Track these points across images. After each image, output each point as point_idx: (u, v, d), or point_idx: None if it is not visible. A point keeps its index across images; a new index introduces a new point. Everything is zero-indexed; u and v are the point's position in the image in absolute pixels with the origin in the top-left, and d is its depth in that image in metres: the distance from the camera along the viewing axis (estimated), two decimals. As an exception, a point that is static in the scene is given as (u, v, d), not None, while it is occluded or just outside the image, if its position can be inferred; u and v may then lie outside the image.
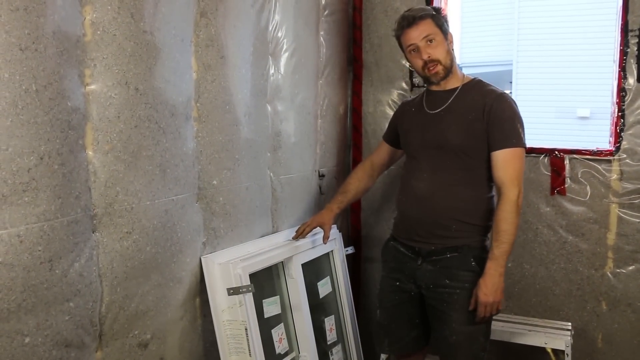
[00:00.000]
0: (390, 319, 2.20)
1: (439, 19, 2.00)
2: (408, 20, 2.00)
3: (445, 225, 2.02)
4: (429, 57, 1.99)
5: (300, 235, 2.23)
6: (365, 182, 2.34)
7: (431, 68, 2.01)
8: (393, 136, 2.30)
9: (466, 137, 2.00)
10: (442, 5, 2.93)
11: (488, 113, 1.97)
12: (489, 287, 1.92)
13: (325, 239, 2.22)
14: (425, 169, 2.07)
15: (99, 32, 1.47)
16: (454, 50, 2.08)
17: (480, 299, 1.93)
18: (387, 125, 2.41)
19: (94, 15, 1.45)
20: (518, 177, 1.97)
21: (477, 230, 2.04)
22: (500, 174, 1.97)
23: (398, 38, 2.07)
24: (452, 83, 2.07)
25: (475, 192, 2.04)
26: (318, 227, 2.24)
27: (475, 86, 2.07)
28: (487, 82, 2.11)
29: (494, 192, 2.07)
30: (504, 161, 1.97)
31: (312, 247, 2.40)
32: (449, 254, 2.03)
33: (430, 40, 1.98)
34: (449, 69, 2.03)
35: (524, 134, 2.01)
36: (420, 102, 2.17)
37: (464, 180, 2.03)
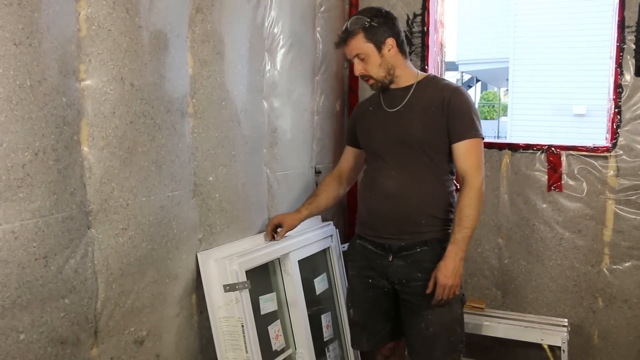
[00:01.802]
0: (366, 316, 2.20)
1: (371, 32, 2.00)
2: (340, 38, 2.07)
3: (416, 221, 2.05)
4: (360, 73, 2.06)
5: (269, 237, 2.20)
6: (333, 189, 2.31)
7: (365, 80, 2.10)
8: (355, 139, 2.28)
9: (429, 132, 2.03)
10: (439, 2, 2.93)
11: (447, 106, 2.01)
12: (449, 269, 1.95)
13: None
14: (392, 166, 2.08)
15: (93, 28, 1.46)
16: (401, 52, 2.06)
17: (439, 281, 1.96)
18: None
19: (89, 10, 1.44)
20: (481, 166, 2.02)
21: (442, 223, 2.07)
22: (463, 164, 2.01)
23: None
24: (406, 80, 2.09)
25: (440, 185, 2.07)
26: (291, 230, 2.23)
27: (431, 82, 2.11)
28: (442, 78, 2.15)
29: (453, 186, 2.11)
30: (466, 151, 2.01)
31: (308, 243, 2.40)
32: (419, 248, 2.05)
33: (362, 58, 2.03)
34: (384, 81, 2.07)
35: (480, 125, 2.06)
36: (377, 101, 2.17)
37: (430, 175, 2.06)
